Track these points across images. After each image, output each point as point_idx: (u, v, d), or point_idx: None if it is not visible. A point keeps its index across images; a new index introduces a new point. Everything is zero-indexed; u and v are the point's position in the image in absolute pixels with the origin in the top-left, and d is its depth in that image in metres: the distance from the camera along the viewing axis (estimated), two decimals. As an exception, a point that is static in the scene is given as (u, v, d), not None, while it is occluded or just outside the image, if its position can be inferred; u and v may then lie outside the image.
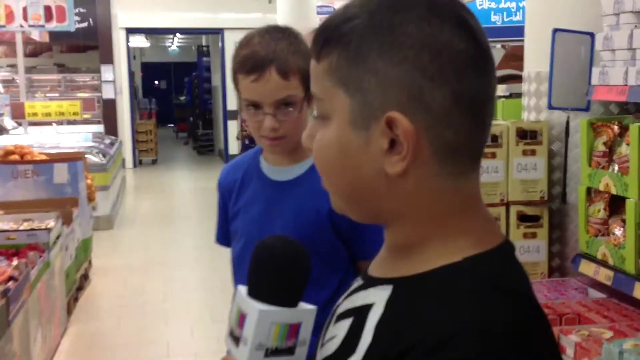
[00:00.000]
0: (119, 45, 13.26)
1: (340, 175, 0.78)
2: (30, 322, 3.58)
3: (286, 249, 0.83)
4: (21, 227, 4.43)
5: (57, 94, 12.53)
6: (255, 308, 0.78)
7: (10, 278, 3.40)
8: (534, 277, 2.55)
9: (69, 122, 10.48)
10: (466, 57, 0.73)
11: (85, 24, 12.40)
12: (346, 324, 0.79)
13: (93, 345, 4.50)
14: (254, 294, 0.80)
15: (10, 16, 8.19)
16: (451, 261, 0.74)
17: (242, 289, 0.81)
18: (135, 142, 13.92)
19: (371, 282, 0.80)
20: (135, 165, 13.70)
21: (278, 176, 1.57)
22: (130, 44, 14.51)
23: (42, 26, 8.50)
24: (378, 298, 0.77)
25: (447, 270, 0.74)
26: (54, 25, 8.41)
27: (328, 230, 1.49)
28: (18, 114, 8.26)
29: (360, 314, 0.78)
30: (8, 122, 5.38)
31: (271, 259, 0.81)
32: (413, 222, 0.77)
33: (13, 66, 12.84)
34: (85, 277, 5.70)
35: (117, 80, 13.02)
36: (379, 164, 0.74)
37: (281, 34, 1.53)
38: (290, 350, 0.79)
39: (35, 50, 14.24)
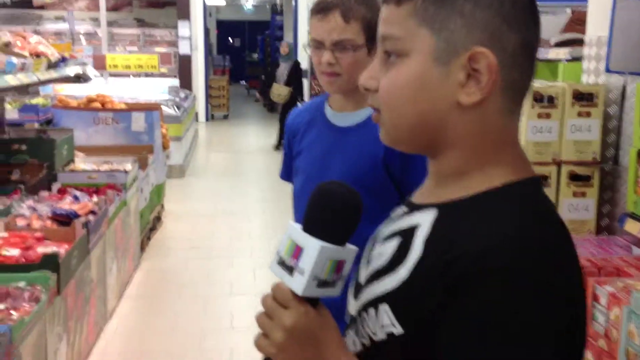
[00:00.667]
0: (195, 2, 13.55)
1: (413, 107, 0.86)
2: (107, 253, 3.89)
3: (346, 195, 0.89)
4: (101, 169, 4.75)
5: (135, 48, 12.95)
6: (317, 244, 0.85)
7: (91, 212, 3.70)
8: (581, 234, 2.64)
9: (146, 75, 10.89)
10: (530, 10, 0.86)
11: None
12: (394, 243, 0.90)
13: (162, 281, 4.82)
14: (310, 230, 0.87)
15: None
16: (492, 186, 0.85)
17: (297, 225, 0.90)
18: (208, 97, 14.29)
19: (416, 208, 0.91)
20: (207, 119, 14.09)
21: (340, 121, 1.73)
22: (206, 2, 14.79)
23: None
24: (424, 219, 0.87)
25: (488, 194, 0.85)
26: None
27: (381, 172, 1.64)
28: (100, 65, 8.66)
29: (407, 233, 0.88)
30: (91, 71, 5.69)
31: (333, 202, 0.88)
32: (466, 151, 0.87)
33: (95, 20, 13.33)
34: (158, 219, 6.04)
35: (192, 36, 13.34)
36: (454, 96, 0.84)
37: None
38: (333, 284, 0.87)
39: (116, 4, 14.70)
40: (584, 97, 2.61)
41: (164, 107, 7.64)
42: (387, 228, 0.95)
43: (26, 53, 4.16)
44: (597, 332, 2.08)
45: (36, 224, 3.39)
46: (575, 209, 2.65)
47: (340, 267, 0.88)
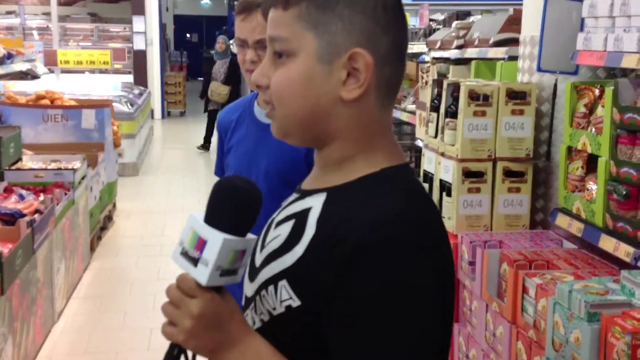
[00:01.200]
0: (151, -4, 13.43)
1: (300, 102, 0.96)
2: (53, 252, 3.86)
3: (248, 190, 0.94)
4: (49, 167, 4.70)
5: (89, 43, 12.78)
6: (220, 237, 0.89)
7: (37, 211, 3.67)
8: (516, 228, 2.73)
9: (101, 72, 10.76)
10: (400, 13, 0.99)
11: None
12: (288, 225, 0.98)
13: (112, 279, 4.81)
14: (212, 223, 0.91)
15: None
16: (373, 171, 0.97)
17: (198, 217, 0.94)
18: (164, 93, 14.18)
19: (306, 194, 1.01)
20: (163, 117, 13.98)
21: (266, 119, 1.77)
22: (162, -4, 14.66)
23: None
24: (315, 202, 0.97)
25: (370, 177, 0.96)
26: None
27: (303, 167, 1.70)
28: (51, 61, 8.53)
29: (300, 216, 0.97)
30: (40, 68, 5.62)
31: (235, 196, 0.93)
32: (348, 141, 0.98)
33: (47, 14, 13.09)
34: (109, 218, 6.00)
35: (148, 31, 13.22)
36: (336, 92, 0.95)
37: None
38: (235, 272, 0.93)
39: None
40: (517, 96, 2.69)
41: (116, 104, 7.58)
42: (279, 214, 1.04)
43: (-31, 50, 4.11)
44: (526, 323, 2.16)
45: (-21, 223, 3.36)
46: (510, 204, 2.73)
47: (242, 256, 0.93)
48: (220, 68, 10.15)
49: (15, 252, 3.05)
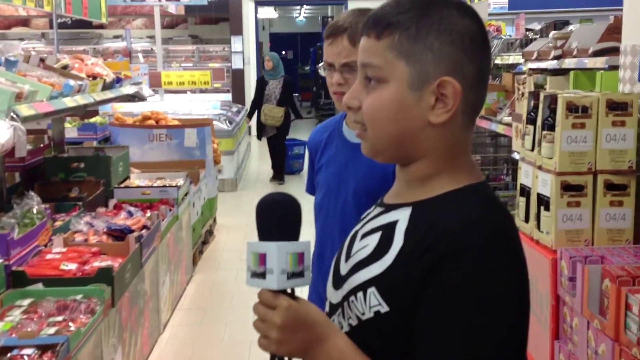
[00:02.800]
0: (248, 16, 13.83)
1: (392, 125, 1.04)
2: (159, 266, 4.05)
3: (282, 199, 1.06)
4: (154, 184, 4.94)
5: (190, 64, 13.29)
6: (273, 245, 1.01)
7: (144, 227, 3.87)
8: (619, 243, 2.65)
9: (201, 91, 11.16)
10: (484, 42, 1.07)
11: (219, -4, 13.01)
12: (376, 236, 1.06)
13: (214, 292, 4.97)
14: (265, 238, 1.03)
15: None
16: (456, 187, 1.05)
17: (253, 241, 1.05)
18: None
19: (391, 207, 1.08)
20: (260, 133, 14.29)
21: (354, 138, 1.83)
22: (259, 16, 15.07)
23: (178, 0, 9.09)
24: (402, 215, 1.05)
25: (454, 193, 1.04)
26: (188, 0, 8.96)
27: (391, 184, 1.74)
28: (155, 82, 8.93)
29: (388, 227, 1.05)
30: (146, 90, 5.91)
31: (274, 208, 1.05)
32: (434, 160, 1.06)
33: (151, 37, 13.72)
34: (210, 232, 6.22)
35: (245, 50, 13.62)
36: (425, 116, 1.03)
37: (367, 12, 1.77)
38: (301, 274, 1.02)
39: (171, 22, 15.12)
40: (618, 107, 2.62)
41: (216, 122, 7.84)
42: (364, 227, 1.11)
43: (83, 75, 4.38)
44: (629, 340, 2.10)
45: (93, 239, 3.57)
46: (612, 218, 2.65)
47: (301, 258, 1.03)
48: (274, 88, 9.15)
49: (125, 267, 3.23)
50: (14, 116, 2.96)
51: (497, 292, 0.95)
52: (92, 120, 6.62)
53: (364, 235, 1.09)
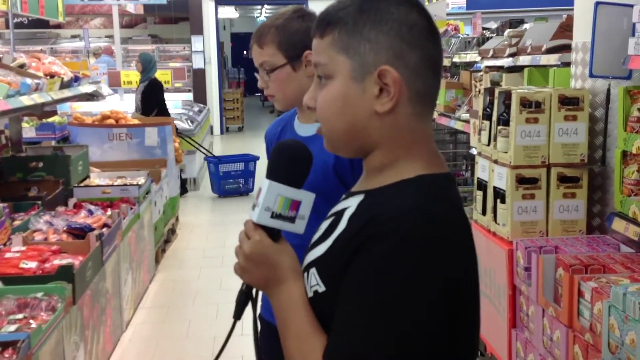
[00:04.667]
0: (209, 16, 13.77)
1: (341, 118, 1.07)
2: (121, 264, 4.03)
3: (297, 146, 1.14)
4: (115, 183, 4.91)
5: (150, 63, 13.15)
6: (266, 182, 1.09)
7: (105, 225, 3.85)
8: (573, 233, 2.73)
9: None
10: (427, 30, 1.07)
11: (176, -4, 12.92)
12: (328, 221, 1.12)
13: (177, 290, 4.96)
14: (270, 176, 1.11)
15: (107, -11, 8.73)
16: (408, 177, 1.06)
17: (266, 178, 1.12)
18: (222, 110, 14.48)
19: (350, 195, 1.13)
20: (222, 132, 14.27)
21: (302, 132, 1.88)
22: (219, 15, 15.00)
23: (137, -1, 9.01)
24: (353, 202, 1.09)
25: (404, 182, 1.06)
26: (146, 0, 8.89)
27: (332, 177, 1.80)
28: (115, 82, 8.84)
29: (339, 213, 1.10)
30: (105, 89, 5.86)
31: (287, 150, 1.13)
32: (387, 149, 1.08)
33: (110, 37, 13.56)
34: (172, 231, 6.19)
35: (206, 50, 13.55)
36: (371, 106, 1.05)
37: (291, 13, 1.85)
38: (291, 219, 1.09)
39: (130, 22, 14.99)
40: (570, 102, 2.71)
41: (177, 121, 7.80)
42: (329, 213, 1.17)
43: (40, 74, 4.33)
44: (583, 327, 2.17)
45: (52, 237, 3.54)
46: (566, 209, 2.74)
47: (295, 205, 1.09)
48: (137, 94, 7.79)
49: (86, 264, 3.21)
50: (-29, 113, 2.92)
51: (410, 283, 0.95)
52: (50, 120, 6.53)
53: (324, 221, 1.14)
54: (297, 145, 1.13)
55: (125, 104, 8.46)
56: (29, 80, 3.79)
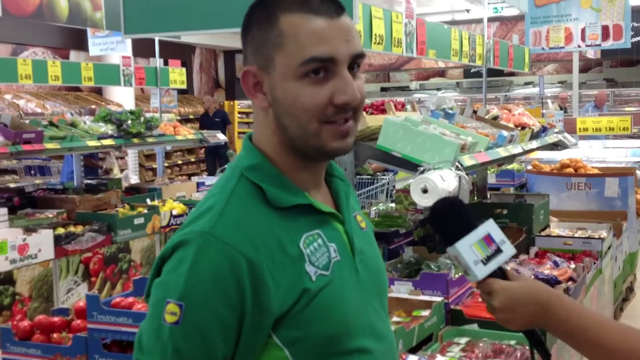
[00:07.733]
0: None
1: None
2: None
3: (449, 201, 1.17)
4: (576, 235, 4.84)
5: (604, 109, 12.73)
6: (453, 248, 1.13)
7: (570, 279, 3.81)
8: None
9: (614, 136, 10.59)
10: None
11: (638, 38, 12.30)
12: None
13: None
14: (451, 242, 1.13)
15: (569, 38, 8.76)
16: None
17: (448, 248, 1.15)
18: None
19: None
20: None
21: None
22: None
23: (599, 45, 8.84)
24: None
25: None
26: (610, 44, 8.66)
27: None
28: (570, 128, 8.79)
29: None
30: (569, 139, 5.85)
31: (443, 211, 1.16)
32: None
33: (562, 82, 13.58)
34: (630, 289, 5.82)
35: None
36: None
37: None
38: (498, 251, 1.12)
39: (584, 66, 14.75)
40: None
41: (638, 172, 7.36)
42: None
43: (511, 125, 4.54)
44: None
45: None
46: None
47: (489, 239, 1.13)
48: None
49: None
50: (459, 166, 3.20)
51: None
52: (509, 167, 6.79)
53: None
54: (448, 200, 1.16)
55: (579, 151, 8.31)
56: (505, 133, 4.00)
